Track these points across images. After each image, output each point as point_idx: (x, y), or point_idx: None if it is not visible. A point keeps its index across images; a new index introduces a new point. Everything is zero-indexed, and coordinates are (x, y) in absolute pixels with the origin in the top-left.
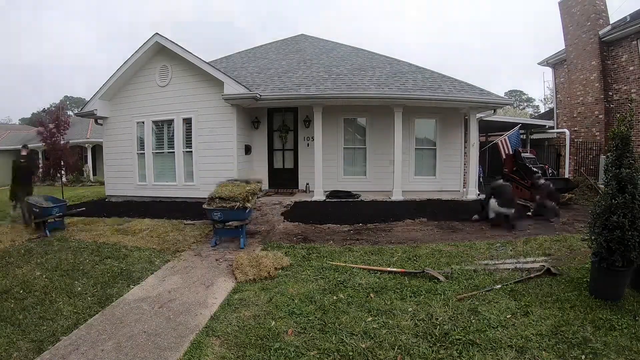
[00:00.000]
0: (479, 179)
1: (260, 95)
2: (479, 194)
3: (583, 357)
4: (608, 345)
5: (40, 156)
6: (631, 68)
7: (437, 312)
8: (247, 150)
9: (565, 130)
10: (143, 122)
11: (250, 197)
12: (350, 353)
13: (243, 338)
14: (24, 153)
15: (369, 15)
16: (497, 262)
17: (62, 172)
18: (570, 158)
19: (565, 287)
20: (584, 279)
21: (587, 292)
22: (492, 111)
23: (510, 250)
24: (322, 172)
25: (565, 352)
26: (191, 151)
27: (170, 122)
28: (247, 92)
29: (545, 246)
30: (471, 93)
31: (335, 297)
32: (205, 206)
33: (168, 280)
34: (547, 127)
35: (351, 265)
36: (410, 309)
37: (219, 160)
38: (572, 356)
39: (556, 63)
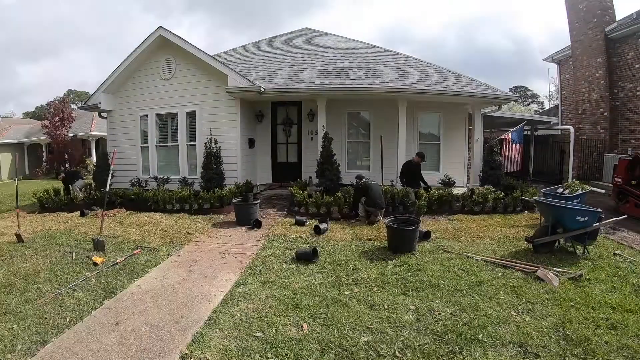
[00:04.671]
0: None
1: (264, 89)
2: None
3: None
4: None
5: (44, 150)
6: (637, 66)
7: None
8: (251, 143)
9: (570, 127)
10: (147, 116)
11: None
12: (352, 347)
13: (246, 331)
14: None
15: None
16: None
17: (67, 165)
18: (574, 155)
19: None
20: None
21: None
22: (497, 107)
23: None
24: None
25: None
26: (195, 144)
27: (174, 116)
28: (251, 85)
29: None
30: (476, 88)
31: (337, 291)
32: None
33: (171, 273)
34: (551, 123)
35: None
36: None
37: (223, 153)
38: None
39: (561, 59)
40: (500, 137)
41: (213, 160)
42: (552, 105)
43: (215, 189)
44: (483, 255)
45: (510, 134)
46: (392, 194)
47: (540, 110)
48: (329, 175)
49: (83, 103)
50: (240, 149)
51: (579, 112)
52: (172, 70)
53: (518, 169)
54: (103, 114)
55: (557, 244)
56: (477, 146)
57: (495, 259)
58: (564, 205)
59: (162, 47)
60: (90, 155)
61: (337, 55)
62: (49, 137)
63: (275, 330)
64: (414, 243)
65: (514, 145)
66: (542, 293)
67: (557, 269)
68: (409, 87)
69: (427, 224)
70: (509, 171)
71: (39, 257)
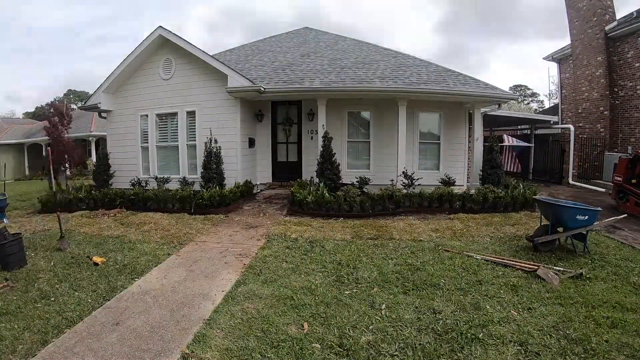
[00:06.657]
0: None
1: (264, 89)
2: None
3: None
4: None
5: (44, 150)
6: (637, 65)
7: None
8: (251, 143)
9: (570, 125)
10: (147, 115)
11: None
12: (353, 347)
13: (246, 330)
14: None
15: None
16: None
17: (67, 165)
18: (574, 154)
19: None
20: None
21: None
22: (497, 106)
23: None
24: None
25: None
26: (195, 144)
27: (174, 115)
28: (251, 85)
29: None
30: (476, 87)
31: (337, 291)
32: None
33: (172, 273)
34: (551, 122)
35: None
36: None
37: (223, 153)
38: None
39: (561, 58)
40: (499, 135)
41: (213, 160)
42: (552, 104)
43: (216, 189)
44: (483, 254)
45: (509, 138)
46: None
47: (540, 109)
48: (329, 174)
49: (83, 103)
50: (240, 148)
51: (579, 110)
52: (172, 70)
53: (518, 171)
54: (103, 114)
55: (557, 242)
56: (477, 145)
57: (496, 257)
58: (564, 204)
59: (162, 47)
60: (90, 155)
61: (337, 55)
62: (50, 138)
63: (276, 329)
64: None
65: (513, 152)
66: (543, 292)
67: (558, 268)
68: (409, 86)
69: (427, 222)
70: (508, 170)
71: (41, 257)
